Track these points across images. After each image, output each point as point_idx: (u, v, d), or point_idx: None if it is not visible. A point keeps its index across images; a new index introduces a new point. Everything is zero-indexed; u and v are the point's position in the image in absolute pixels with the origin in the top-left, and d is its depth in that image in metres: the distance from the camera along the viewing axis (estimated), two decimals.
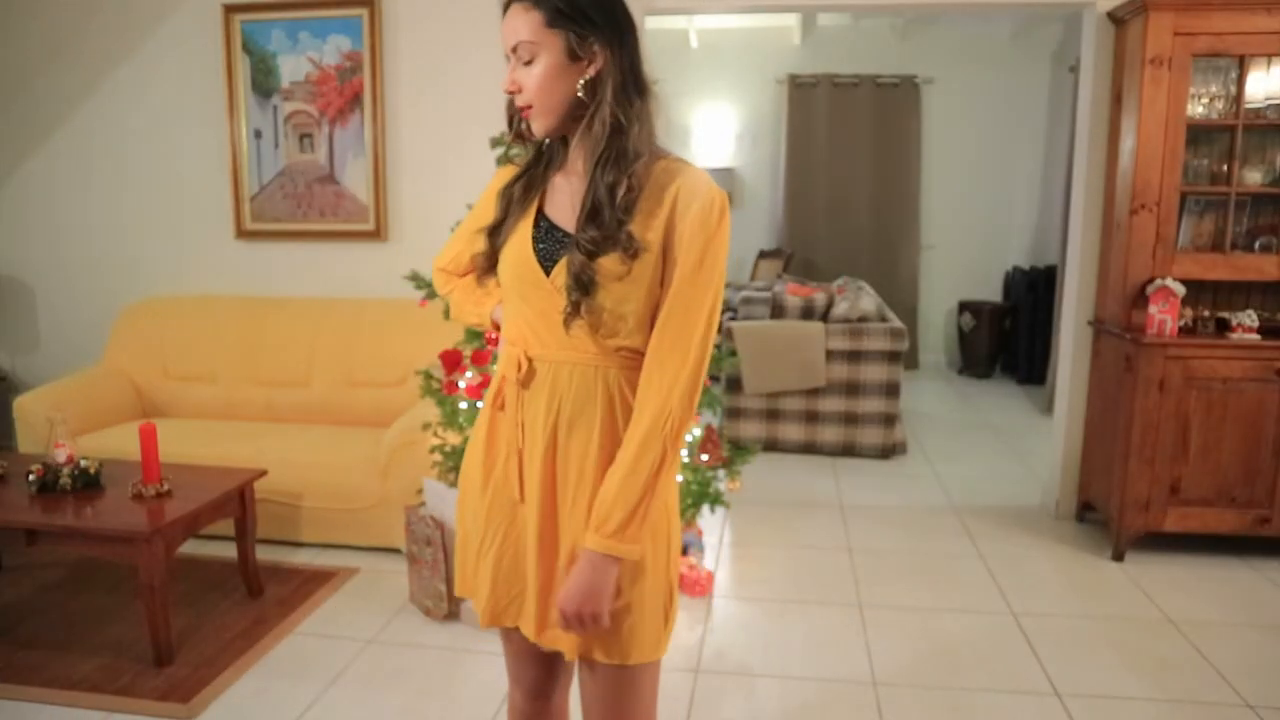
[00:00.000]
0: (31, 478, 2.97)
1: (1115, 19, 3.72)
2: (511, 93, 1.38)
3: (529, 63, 1.35)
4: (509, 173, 1.52)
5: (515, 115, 1.43)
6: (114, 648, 2.88)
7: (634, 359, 1.40)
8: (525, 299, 1.42)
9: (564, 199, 1.43)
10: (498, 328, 1.58)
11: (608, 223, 1.33)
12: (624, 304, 1.35)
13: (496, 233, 1.47)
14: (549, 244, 1.41)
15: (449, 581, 3.05)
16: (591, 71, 1.36)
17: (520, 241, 1.43)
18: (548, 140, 1.46)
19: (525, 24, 1.34)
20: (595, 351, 1.39)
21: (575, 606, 1.36)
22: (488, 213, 1.52)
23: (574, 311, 1.35)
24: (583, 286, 1.33)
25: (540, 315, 1.41)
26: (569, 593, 1.37)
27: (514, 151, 1.53)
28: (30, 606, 3.19)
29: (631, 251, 1.33)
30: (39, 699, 2.60)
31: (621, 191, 1.34)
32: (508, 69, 1.38)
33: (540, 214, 1.45)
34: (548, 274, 1.39)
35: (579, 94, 1.36)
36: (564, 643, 1.44)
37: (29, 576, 3.43)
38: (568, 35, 1.34)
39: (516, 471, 1.46)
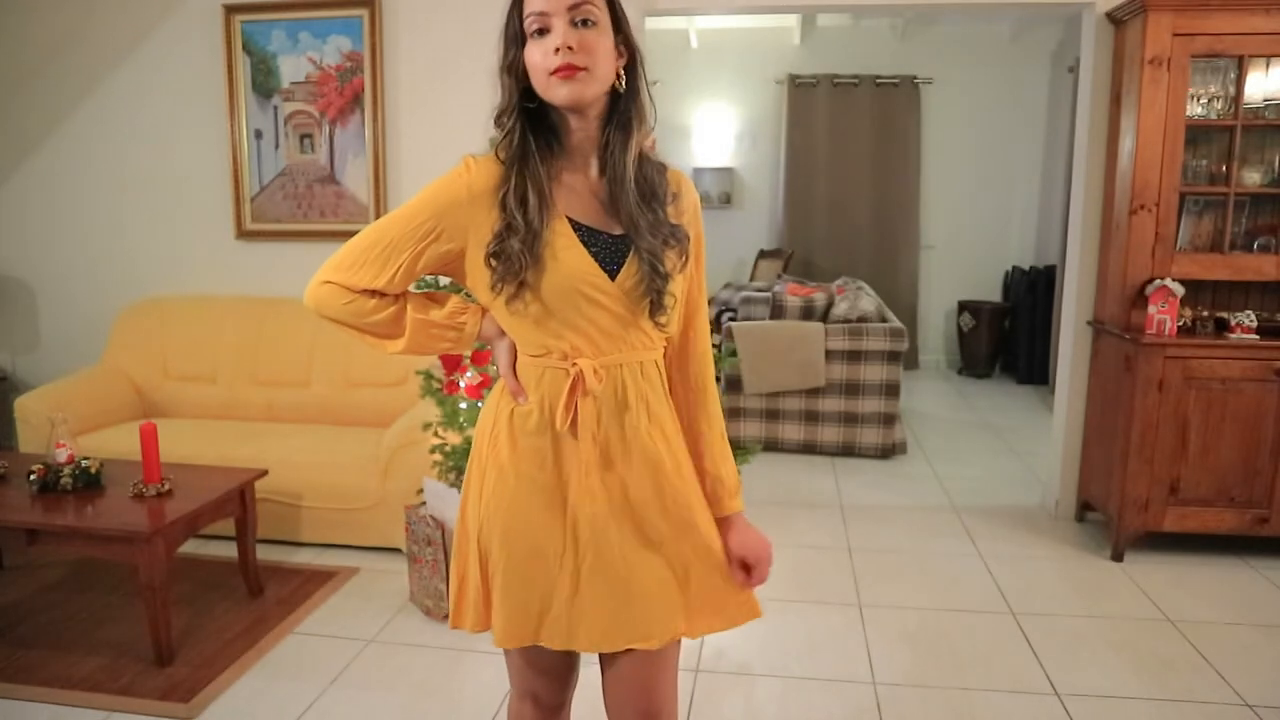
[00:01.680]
0: (32, 478, 2.98)
1: (1114, 19, 3.72)
2: (570, 48, 1.28)
3: (587, 25, 1.30)
4: (490, 172, 1.37)
5: (521, 90, 1.35)
6: (114, 647, 2.88)
7: (665, 343, 1.49)
8: (594, 306, 1.36)
9: (587, 199, 1.40)
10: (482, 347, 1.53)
11: (663, 220, 1.38)
12: (680, 294, 1.44)
13: (533, 242, 1.33)
14: (598, 248, 1.36)
15: (449, 580, 3.04)
16: (623, 63, 1.37)
17: (572, 250, 1.35)
18: (518, 136, 1.37)
19: None
20: (653, 345, 1.44)
21: (769, 556, 1.53)
22: (451, 221, 1.37)
23: (659, 306, 1.38)
24: (663, 280, 1.37)
25: (614, 320, 1.37)
26: (762, 548, 1.53)
27: (492, 137, 1.42)
28: (31, 606, 3.20)
29: (685, 245, 1.41)
30: (40, 698, 2.60)
31: (664, 190, 1.41)
32: (557, 32, 1.29)
33: (567, 219, 1.37)
34: (613, 278, 1.36)
35: (618, 81, 1.36)
36: (703, 625, 1.50)
37: (30, 576, 3.44)
38: (616, 19, 1.36)
39: (597, 487, 1.41)
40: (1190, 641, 2.97)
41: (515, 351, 1.44)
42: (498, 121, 1.39)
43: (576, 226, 1.37)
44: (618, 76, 1.36)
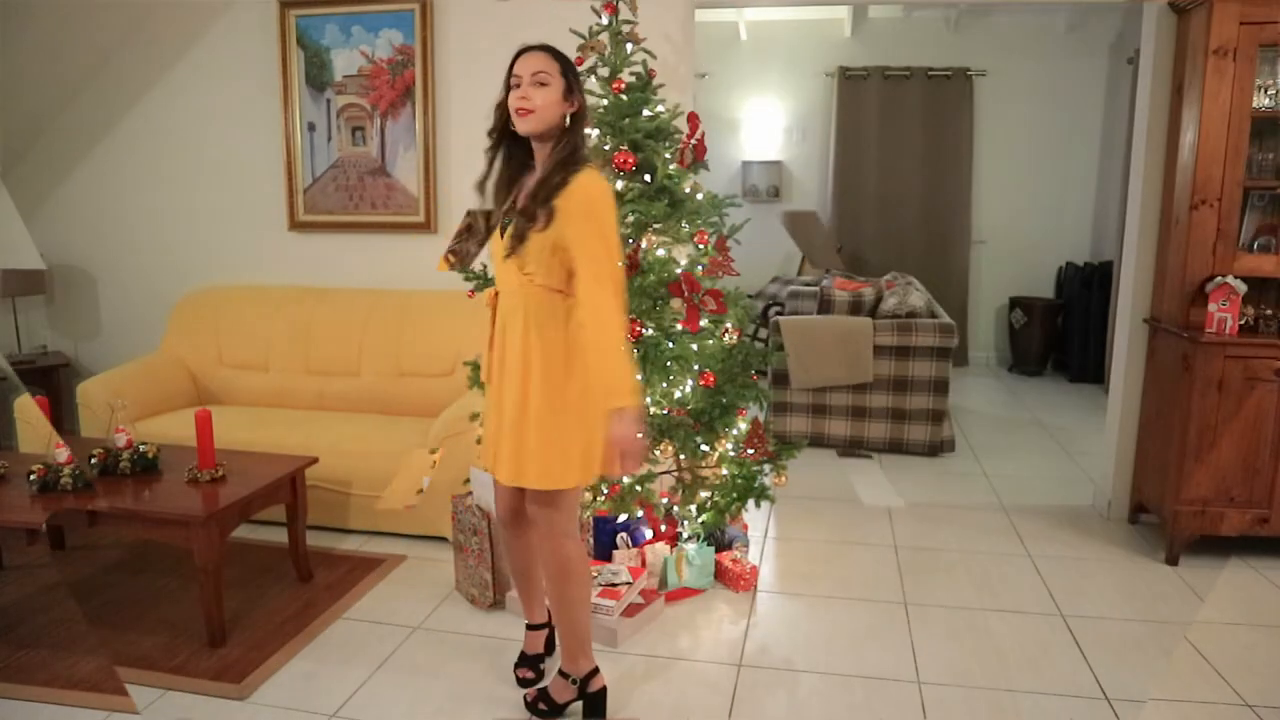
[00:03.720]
0: (93, 461, 3.07)
1: (1177, 8, 3.62)
2: (525, 97, 2.14)
3: (542, 86, 2.14)
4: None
5: (504, 118, 2.22)
6: (170, 627, 2.96)
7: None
8: (496, 253, 2.29)
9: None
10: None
11: (538, 201, 2.21)
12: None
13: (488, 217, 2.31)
14: (509, 217, 2.26)
15: (495, 570, 3.08)
16: (570, 109, 2.21)
17: (498, 219, 2.30)
18: (502, 148, 2.30)
19: (547, 63, 2.16)
20: (526, 281, 2.27)
21: (630, 450, 2.13)
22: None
23: (510, 250, 2.28)
24: (521, 235, 2.23)
25: (499, 261, 2.30)
26: (620, 441, 2.11)
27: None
28: (92, 585, 3.30)
29: (534, 217, 2.21)
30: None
31: (554, 181, 2.21)
32: (522, 87, 2.15)
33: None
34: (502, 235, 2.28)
35: (565, 122, 2.20)
36: (504, 473, 2.30)
37: (91, 557, 3.54)
38: (566, 82, 2.19)
39: (487, 363, 2.39)
40: (1248, 648, 2.89)
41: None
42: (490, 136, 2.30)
43: (515, 204, 2.25)
44: (565, 117, 2.19)
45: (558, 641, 2.54)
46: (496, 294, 2.31)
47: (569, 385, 2.20)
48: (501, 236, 2.22)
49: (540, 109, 2.13)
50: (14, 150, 4.84)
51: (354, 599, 3.20)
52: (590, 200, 2.13)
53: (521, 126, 2.15)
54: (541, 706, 2.47)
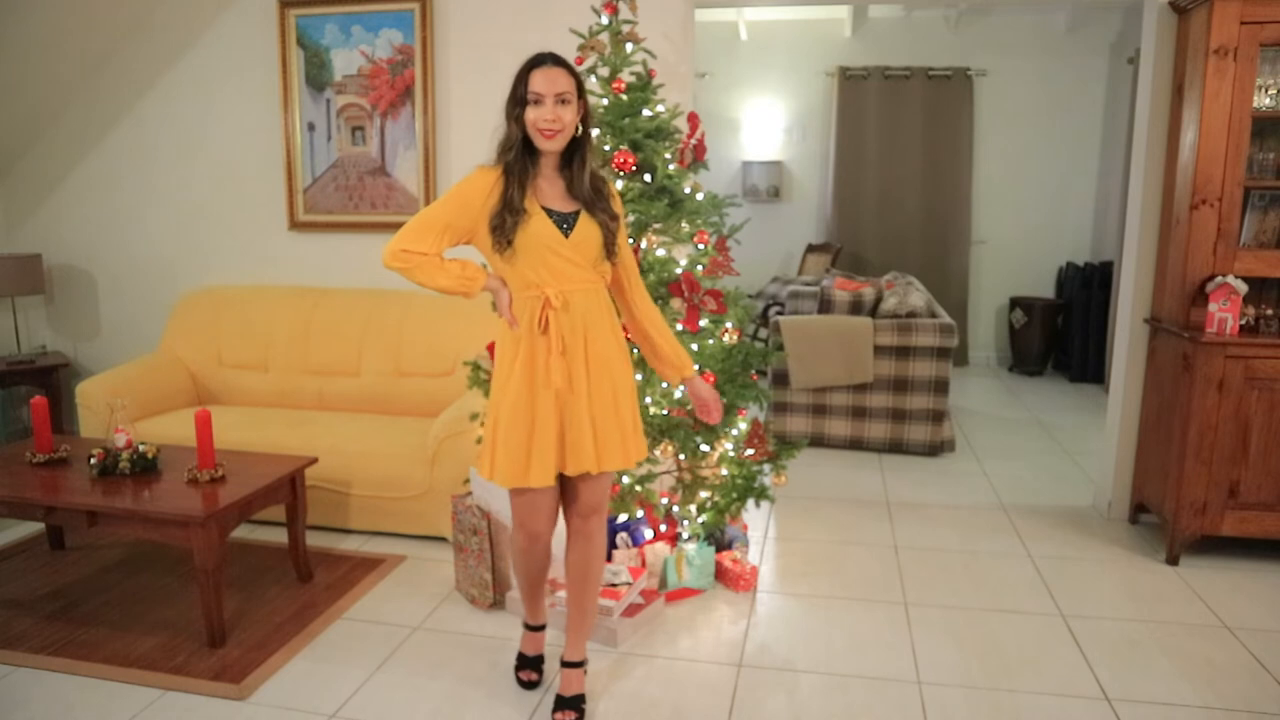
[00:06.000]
0: (93, 461, 3.07)
1: (1177, 8, 3.62)
2: (555, 119, 2.17)
3: (565, 104, 2.19)
4: (492, 178, 2.24)
5: (522, 136, 2.21)
6: (170, 628, 2.96)
7: (604, 279, 2.37)
8: (552, 254, 2.22)
9: (551, 191, 2.28)
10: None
11: (604, 204, 2.30)
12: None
13: (517, 217, 2.19)
14: (556, 220, 2.24)
15: (495, 570, 3.08)
16: (580, 115, 2.26)
17: (541, 221, 2.23)
18: (511, 157, 2.23)
19: (567, 81, 2.20)
20: (594, 279, 2.31)
21: (714, 401, 2.55)
22: (472, 209, 2.23)
23: (611, 249, 2.31)
24: (611, 235, 2.31)
25: (565, 263, 2.24)
26: (708, 396, 2.53)
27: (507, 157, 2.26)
28: (91, 586, 3.29)
29: (618, 219, 2.34)
30: (98, 674, 2.68)
31: (604, 190, 2.33)
32: (547, 107, 2.16)
33: (540, 205, 2.24)
34: (566, 237, 2.24)
35: (577, 129, 2.26)
36: (618, 460, 2.34)
37: (90, 557, 3.54)
38: (579, 93, 2.23)
39: (563, 368, 2.23)
40: (1248, 649, 2.89)
41: (510, 294, 2.27)
42: (504, 149, 2.24)
43: (550, 210, 2.24)
44: (576, 127, 2.25)
45: (571, 633, 2.53)
46: (548, 300, 2.22)
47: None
48: (567, 238, 2.22)
49: (567, 127, 2.20)
50: (13, 150, 4.84)
51: (354, 599, 3.20)
52: (621, 206, 2.41)
53: (551, 145, 2.20)
54: (579, 712, 2.48)
